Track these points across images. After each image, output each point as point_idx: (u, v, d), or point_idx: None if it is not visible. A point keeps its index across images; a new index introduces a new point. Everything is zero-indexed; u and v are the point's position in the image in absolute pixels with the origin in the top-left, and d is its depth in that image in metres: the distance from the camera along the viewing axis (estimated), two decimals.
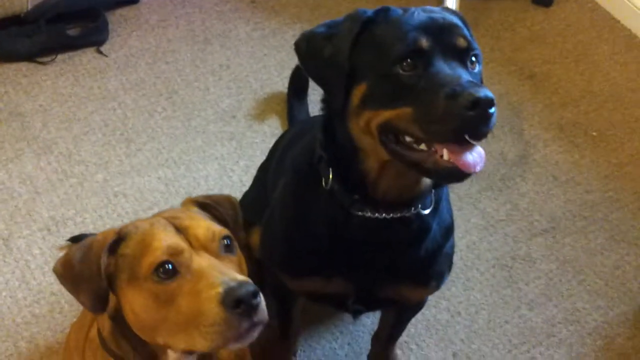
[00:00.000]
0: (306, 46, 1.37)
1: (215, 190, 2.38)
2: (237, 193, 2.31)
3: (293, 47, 1.39)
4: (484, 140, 1.22)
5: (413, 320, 1.98)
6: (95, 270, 1.23)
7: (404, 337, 2.07)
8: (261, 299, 1.19)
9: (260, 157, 2.28)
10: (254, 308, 1.16)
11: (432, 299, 2.16)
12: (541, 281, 2.27)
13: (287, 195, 1.61)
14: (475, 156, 1.22)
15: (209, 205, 1.38)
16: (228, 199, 1.44)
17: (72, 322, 1.83)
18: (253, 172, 2.16)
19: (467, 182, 2.46)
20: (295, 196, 1.58)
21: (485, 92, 1.17)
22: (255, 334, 1.20)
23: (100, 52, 2.77)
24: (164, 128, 2.56)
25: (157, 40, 2.85)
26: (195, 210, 1.36)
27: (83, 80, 2.67)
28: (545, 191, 2.51)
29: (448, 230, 1.57)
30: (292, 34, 2.91)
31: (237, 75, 2.77)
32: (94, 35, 2.78)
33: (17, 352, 2.00)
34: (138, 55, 2.79)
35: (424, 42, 1.26)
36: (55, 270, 1.27)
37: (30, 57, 2.71)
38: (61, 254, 2.16)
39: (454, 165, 1.22)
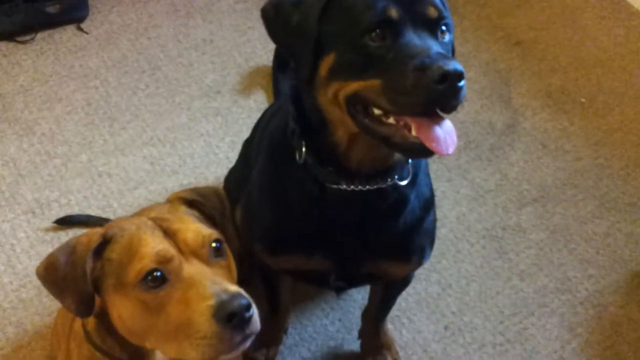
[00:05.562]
0: (274, 13, 1.33)
1: (201, 168, 2.36)
2: (224, 170, 2.28)
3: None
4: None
5: (404, 294, 1.97)
6: (81, 274, 1.19)
7: (395, 312, 2.06)
8: (254, 311, 1.17)
9: (246, 133, 2.25)
10: (247, 321, 1.14)
11: (422, 272, 2.15)
12: (532, 251, 2.26)
13: (264, 171, 1.59)
14: (445, 133, 1.20)
15: (197, 202, 1.35)
16: (215, 191, 1.40)
17: (59, 306, 1.82)
18: (239, 148, 2.14)
19: (455, 153, 2.47)
20: (271, 172, 1.55)
21: (454, 65, 1.15)
22: (248, 344, 1.18)
23: (81, 29, 2.72)
24: (147, 105, 2.52)
25: (138, 16, 2.80)
26: (183, 210, 1.32)
27: (64, 59, 2.62)
28: (534, 160, 2.49)
29: (427, 204, 1.54)
30: None
31: (221, 49, 2.72)
32: (73, 12, 2.72)
33: (5, 337, 1.97)
34: (119, 32, 2.73)
35: (394, 12, 1.23)
36: (38, 274, 1.24)
37: (9, 36, 2.65)
38: (47, 237, 2.15)
39: (420, 141, 1.20)
